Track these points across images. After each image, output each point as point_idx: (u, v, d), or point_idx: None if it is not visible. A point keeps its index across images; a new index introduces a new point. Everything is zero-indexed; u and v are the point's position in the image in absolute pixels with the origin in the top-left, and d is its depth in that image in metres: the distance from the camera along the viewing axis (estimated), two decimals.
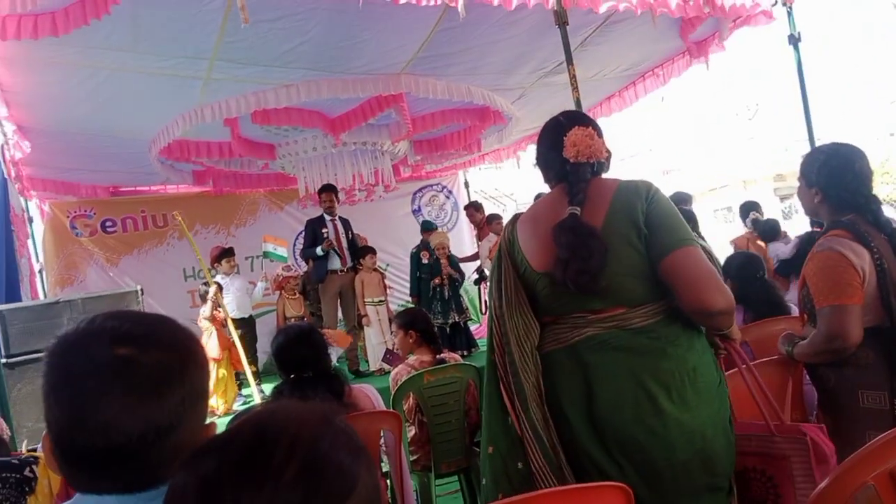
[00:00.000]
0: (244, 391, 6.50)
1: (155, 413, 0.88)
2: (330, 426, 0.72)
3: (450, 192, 10.52)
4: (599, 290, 1.73)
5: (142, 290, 5.29)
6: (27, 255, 6.55)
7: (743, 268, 3.57)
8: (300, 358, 2.56)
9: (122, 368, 0.87)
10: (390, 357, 4.45)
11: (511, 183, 20.00)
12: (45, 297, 6.99)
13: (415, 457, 3.68)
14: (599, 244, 1.72)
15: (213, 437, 0.75)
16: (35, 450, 2.63)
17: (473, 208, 8.56)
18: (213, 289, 6.12)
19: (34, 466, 2.03)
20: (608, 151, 1.92)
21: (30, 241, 6.82)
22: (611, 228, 1.74)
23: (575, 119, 1.95)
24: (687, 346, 1.73)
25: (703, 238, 5.33)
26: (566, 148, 1.87)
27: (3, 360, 4.77)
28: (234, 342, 6.02)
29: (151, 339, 0.91)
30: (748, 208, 6.20)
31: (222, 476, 0.66)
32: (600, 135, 1.91)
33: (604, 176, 1.94)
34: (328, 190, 6.84)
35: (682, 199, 6.53)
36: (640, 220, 1.72)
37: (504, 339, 1.91)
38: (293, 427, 0.70)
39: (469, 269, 8.47)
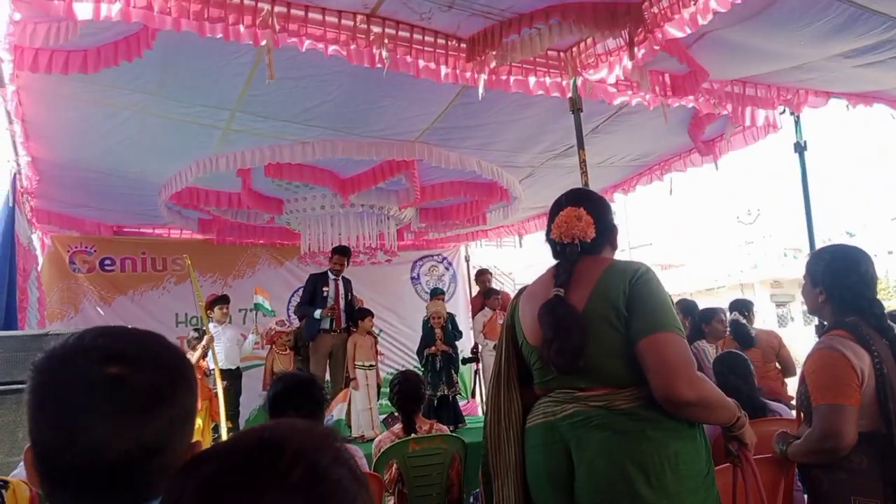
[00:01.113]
0: None
1: (144, 433, 0.87)
2: (332, 443, 0.72)
3: (450, 263, 10.56)
4: (580, 370, 1.75)
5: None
6: (36, 286, 6.54)
7: (721, 365, 3.56)
8: (296, 406, 2.49)
9: (113, 387, 0.86)
10: (391, 421, 4.43)
11: (510, 262, 20.10)
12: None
13: None
14: (579, 326, 1.75)
15: (211, 446, 0.74)
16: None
17: (490, 275, 8.50)
18: (207, 337, 6.07)
19: (3, 492, 1.97)
20: (597, 231, 1.92)
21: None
22: (592, 309, 1.76)
23: (572, 198, 2.01)
24: (671, 431, 1.70)
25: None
26: (552, 228, 1.96)
27: None
28: (216, 393, 5.93)
29: (143, 358, 0.90)
30: (734, 307, 5.88)
31: (224, 478, 0.65)
32: (597, 213, 1.95)
33: (609, 255, 1.98)
34: (342, 253, 6.86)
35: (687, 309, 6.34)
36: (619, 301, 1.74)
37: (486, 411, 1.99)
38: (297, 437, 0.69)
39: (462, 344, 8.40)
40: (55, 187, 6.38)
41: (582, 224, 1.89)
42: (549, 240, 2.01)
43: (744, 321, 5.59)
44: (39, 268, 7.65)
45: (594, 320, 1.75)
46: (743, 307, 5.79)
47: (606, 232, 1.97)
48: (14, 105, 4.50)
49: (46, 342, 4.85)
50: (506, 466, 1.86)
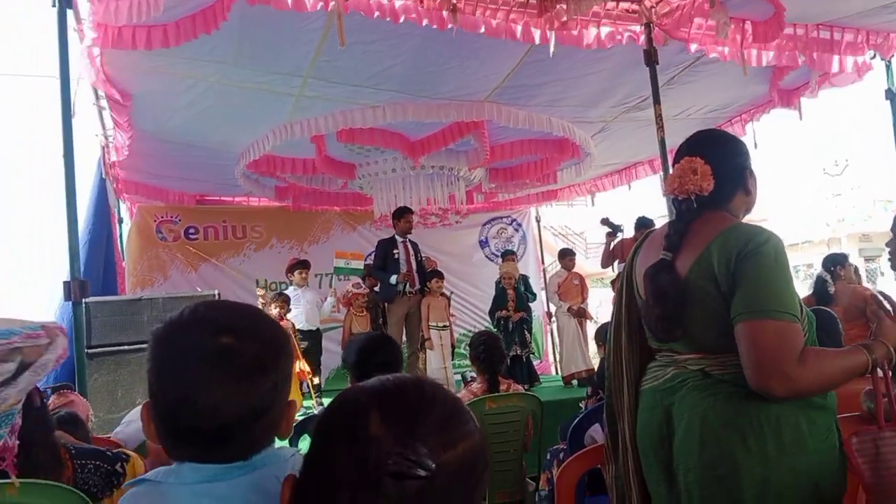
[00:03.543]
0: (306, 402, 6.61)
1: (253, 397, 0.96)
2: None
3: (519, 225, 10.50)
4: (679, 338, 1.71)
5: (219, 294, 5.49)
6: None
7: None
8: (378, 363, 2.52)
9: (226, 356, 0.95)
10: (470, 381, 4.57)
11: (582, 222, 19.83)
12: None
13: None
14: (679, 296, 1.67)
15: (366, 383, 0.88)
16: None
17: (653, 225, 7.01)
18: (259, 301, 6.34)
19: (124, 464, 2.13)
20: (717, 181, 1.74)
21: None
22: (694, 278, 1.67)
23: (690, 146, 1.86)
24: None
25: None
26: (667, 183, 1.85)
27: (86, 351, 4.97)
28: (302, 350, 6.25)
29: (250, 330, 0.99)
30: (825, 262, 5.70)
31: (393, 397, 0.83)
32: (717, 160, 1.77)
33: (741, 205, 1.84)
34: (410, 211, 6.92)
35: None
36: (721, 274, 1.62)
37: (607, 354, 1.96)
38: (426, 379, 0.88)
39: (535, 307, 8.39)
40: (140, 159, 6.64)
41: (697, 177, 1.72)
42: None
43: (827, 277, 5.42)
44: (125, 237, 8.09)
45: (694, 289, 1.66)
46: (831, 262, 5.60)
47: (731, 179, 1.79)
48: (100, 80, 4.70)
49: (140, 307, 5.15)
50: (621, 411, 1.87)
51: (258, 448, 0.99)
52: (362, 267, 7.50)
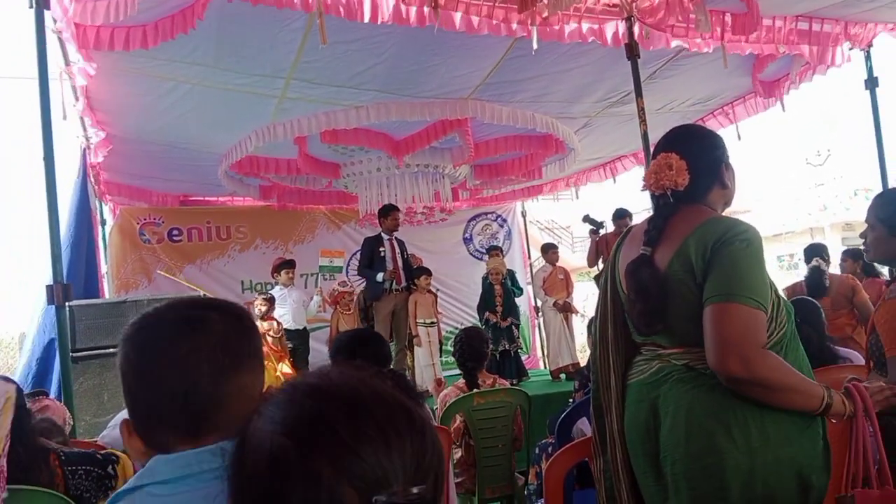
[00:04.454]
0: None
1: (214, 387, 0.98)
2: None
3: (504, 220, 10.50)
4: (660, 331, 1.73)
5: (204, 295, 5.46)
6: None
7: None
8: (362, 357, 2.45)
9: (199, 323, 1.00)
10: None
11: (568, 216, 19.91)
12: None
13: (459, 479, 3.67)
14: (659, 290, 1.70)
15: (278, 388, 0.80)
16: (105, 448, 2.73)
17: (629, 217, 7.25)
18: (256, 310, 6.31)
19: (115, 466, 2.11)
20: (692, 175, 1.77)
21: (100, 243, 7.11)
22: (673, 272, 1.70)
23: (666, 142, 1.88)
24: None
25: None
26: (644, 179, 1.87)
27: (70, 355, 4.92)
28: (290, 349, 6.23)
29: (202, 321, 1.01)
30: (815, 252, 5.64)
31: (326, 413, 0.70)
32: (692, 155, 1.79)
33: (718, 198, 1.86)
34: (397, 209, 6.92)
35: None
36: (697, 266, 1.65)
37: (593, 347, 1.97)
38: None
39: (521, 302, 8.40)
40: (122, 160, 6.58)
41: (672, 173, 1.75)
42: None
43: (823, 266, 5.37)
44: (109, 241, 8.00)
45: (674, 283, 1.69)
46: (822, 251, 5.56)
47: (707, 174, 1.81)
48: (80, 81, 4.64)
49: (124, 310, 5.10)
50: (608, 404, 1.88)
51: (222, 438, 0.95)
52: (342, 266, 7.50)
